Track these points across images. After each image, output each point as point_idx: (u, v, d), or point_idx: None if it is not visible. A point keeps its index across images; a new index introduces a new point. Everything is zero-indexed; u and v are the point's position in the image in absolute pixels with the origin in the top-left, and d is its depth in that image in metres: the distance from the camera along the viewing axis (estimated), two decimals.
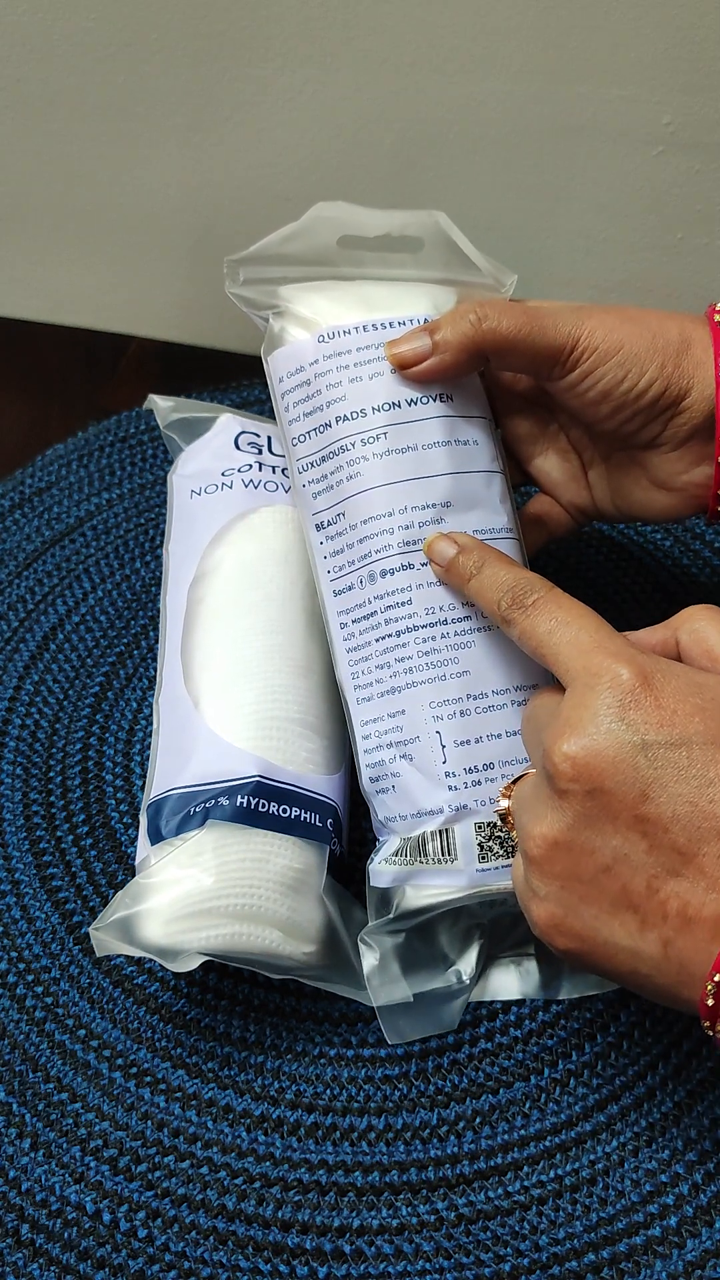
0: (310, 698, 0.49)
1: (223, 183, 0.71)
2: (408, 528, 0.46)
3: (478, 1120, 0.45)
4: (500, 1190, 0.44)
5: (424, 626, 0.46)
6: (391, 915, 0.46)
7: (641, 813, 0.36)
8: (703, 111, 0.64)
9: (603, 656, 0.39)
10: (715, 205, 0.67)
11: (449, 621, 0.46)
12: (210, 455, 0.56)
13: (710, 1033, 0.37)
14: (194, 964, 0.44)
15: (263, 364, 0.50)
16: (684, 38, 0.62)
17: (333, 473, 0.48)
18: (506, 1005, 0.48)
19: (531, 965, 0.48)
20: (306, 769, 0.47)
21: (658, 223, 0.69)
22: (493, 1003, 0.48)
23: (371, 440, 0.47)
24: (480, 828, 0.45)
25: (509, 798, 0.42)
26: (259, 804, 0.45)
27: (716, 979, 0.36)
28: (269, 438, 0.57)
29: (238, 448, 0.56)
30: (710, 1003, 0.36)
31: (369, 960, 0.46)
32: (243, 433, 0.57)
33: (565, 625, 0.41)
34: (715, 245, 0.69)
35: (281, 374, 0.49)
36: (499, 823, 0.44)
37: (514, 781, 0.42)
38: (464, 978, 0.47)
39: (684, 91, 0.64)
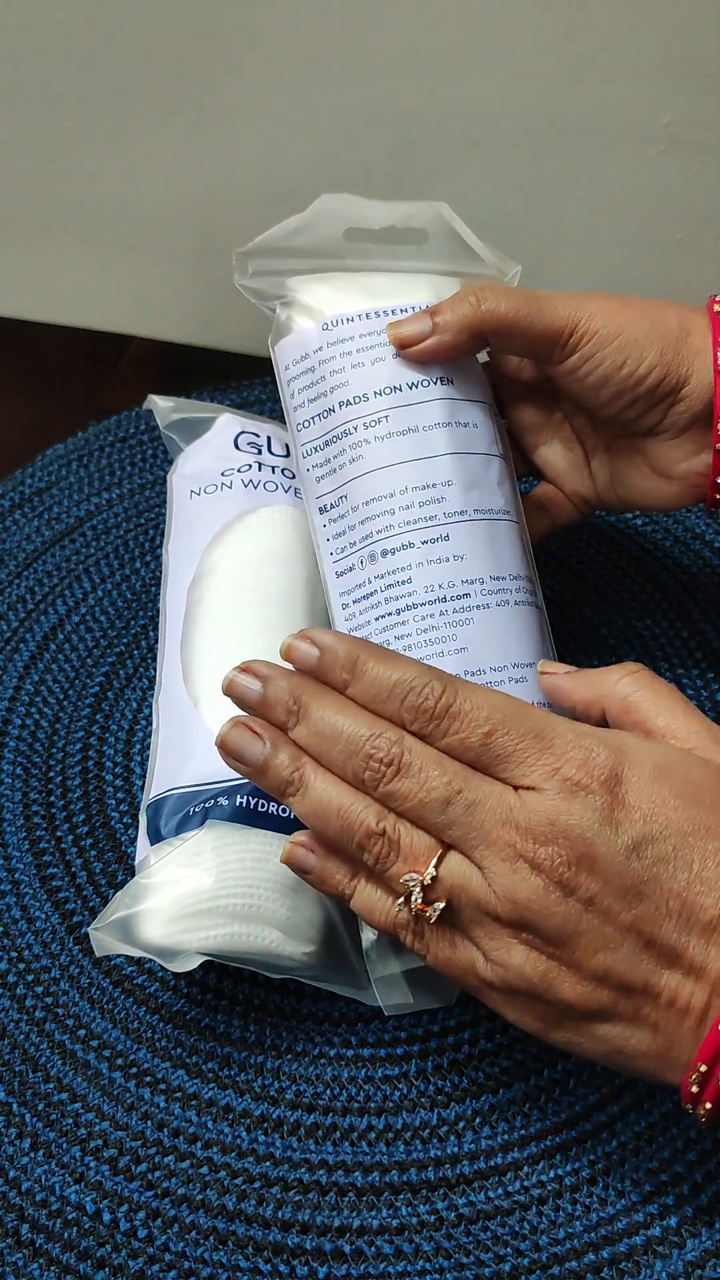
0: None
1: (223, 183, 0.71)
2: (409, 507, 0.47)
3: (478, 1120, 0.45)
4: (500, 1190, 0.43)
5: (423, 604, 0.46)
6: None
7: (638, 913, 0.36)
8: (703, 111, 0.64)
9: (569, 763, 0.37)
10: (715, 205, 0.67)
11: (448, 599, 0.46)
12: (210, 455, 0.56)
13: (691, 1111, 0.37)
14: (194, 964, 0.44)
15: (267, 359, 0.51)
16: (684, 38, 0.62)
17: (336, 456, 0.48)
18: None
19: None
20: None
21: (658, 223, 0.69)
22: None
23: (374, 423, 0.48)
24: None
25: (438, 880, 0.37)
26: (259, 804, 0.45)
27: (702, 1068, 0.36)
28: (269, 438, 0.57)
29: (237, 448, 0.56)
30: (695, 1089, 0.36)
31: (368, 935, 0.46)
32: (242, 433, 0.57)
33: (502, 730, 0.37)
34: (715, 245, 0.69)
35: (287, 362, 0.50)
36: (416, 898, 0.38)
37: (438, 862, 0.38)
38: None
39: (684, 91, 0.64)
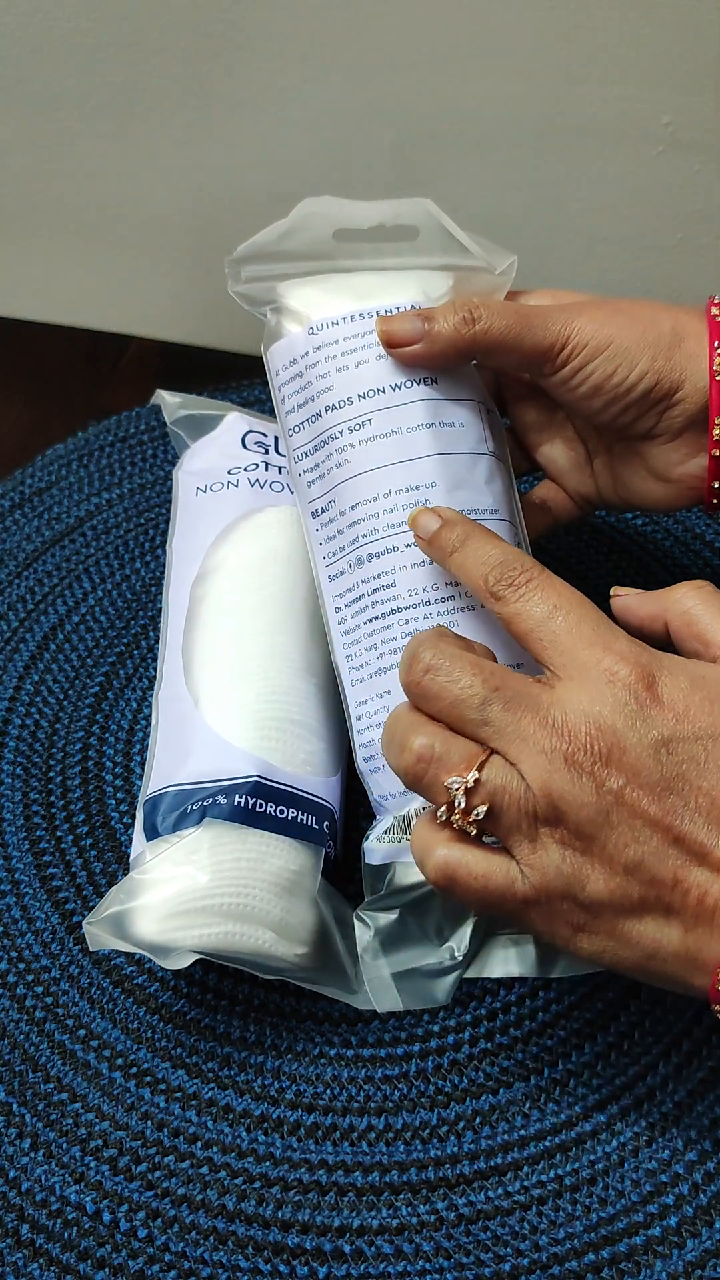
0: (310, 700, 0.49)
1: (223, 183, 0.71)
2: (392, 511, 0.47)
3: (478, 1120, 0.45)
4: (500, 1190, 0.43)
5: (407, 608, 0.46)
6: (383, 891, 0.47)
7: (666, 808, 0.37)
8: (703, 111, 0.64)
9: (612, 655, 0.38)
10: (715, 205, 0.67)
11: (432, 602, 0.46)
12: (217, 453, 0.57)
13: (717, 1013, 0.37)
14: (186, 961, 0.44)
15: (263, 360, 0.51)
16: (684, 38, 0.62)
17: (324, 461, 0.48)
18: (507, 1005, 0.48)
19: (528, 943, 0.49)
20: (304, 771, 0.47)
21: (658, 223, 0.69)
22: (493, 1002, 0.48)
23: (358, 427, 0.48)
24: None
25: (480, 782, 0.38)
26: (256, 804, 0.45)
27: None
28: (275, 437, 0.57)
29: (245, 447, 0.57)
30: None
31: (362, 936, 0.46)
32: (250, 431, 0.57)
33: (564, 611, 0.40)
34: (715, 245, 0.69)
35: (278, 368, 0.50)
36: (459, 803, 0.39)
37: (481, 765, 0.39)
38: (457, 954, 0.47)
39: (684, 91, 0.64)
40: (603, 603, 0.64)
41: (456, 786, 0.38)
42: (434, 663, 0.40)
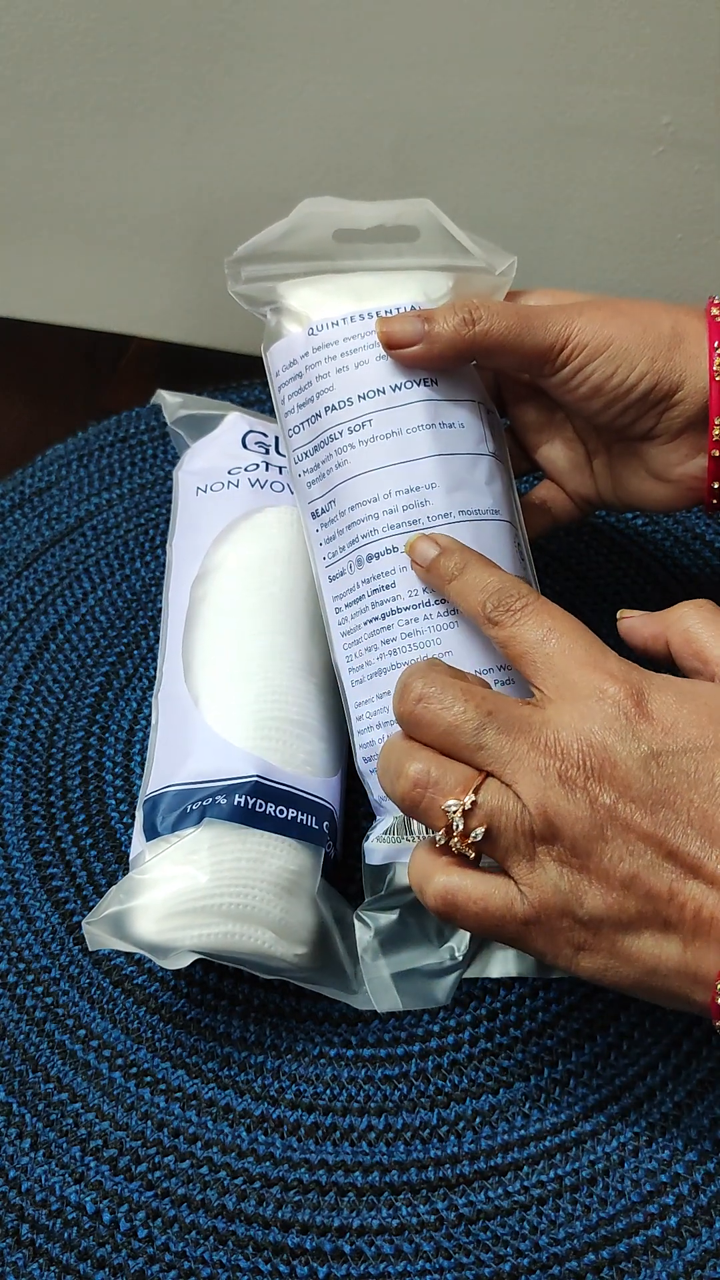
0: (310, 699, 0.49)
1: (222, 183, 0.71)
2: (392, 512, 0.47)
3: (478, 1120, 0.45)
4: (500, 1190, 0.43)
5: (407, 609, 0.46)
6: (383, 892, 0.47)
7: (657, 822, 0.37)
8: (703, 111, 0.64)
9: (601, 674, 0.39)
10: (715, 205, 0.67)
11: (431, 603, 0.46)
12: (217, 452, 0.57)
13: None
14: (186, 961, 0.44)
15: (263, 360, 0.51)
16: (684, 38, 0.62)
17: (324, 461, 0.48)
18: (507, 1005, 0.48)
19: None
20: (304, 771, 0.47)
21: (658, 223, 0.69)
22: (492, 1002, 0.48)
23: (358, 428, 0.48)
24: None
25: (477, 805, 0.39)
26: (256, 804, 0.45)
27: None
28: (276, 437, 0.57)
29: (245, 447, 0.57)
30: None
31: (363, 936, 0.47)
32: (250, 431, 0.57)
33: (558, 635, 0.40)
34: (715, 245, 0.69)
35: (277, 368, 0.50)
36: (457, 825, 0.39)
37: (477, 788, 0.39)
38: (457, 954, 0.47)
39: (684, 91, 0.64)
40: (603, 603, 0.64)
41: (454, 809, 0.39)
42: (426, 691, 0.40)
